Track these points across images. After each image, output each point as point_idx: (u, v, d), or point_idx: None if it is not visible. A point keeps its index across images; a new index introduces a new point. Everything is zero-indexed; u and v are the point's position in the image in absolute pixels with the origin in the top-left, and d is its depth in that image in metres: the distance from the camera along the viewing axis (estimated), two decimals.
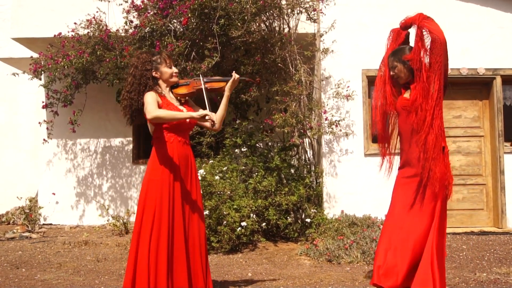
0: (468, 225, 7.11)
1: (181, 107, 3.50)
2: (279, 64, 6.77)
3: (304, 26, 6.98)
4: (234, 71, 3.66)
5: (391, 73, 3.57)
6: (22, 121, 9.74)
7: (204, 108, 3.41)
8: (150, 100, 3.30)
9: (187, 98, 3.60)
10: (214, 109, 3.54)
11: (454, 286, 4.05)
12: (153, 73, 3.45)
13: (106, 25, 7.05)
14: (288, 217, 6.28)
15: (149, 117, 3.24)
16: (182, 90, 3.54)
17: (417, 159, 3.29)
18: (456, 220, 7.10)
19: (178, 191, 3.38)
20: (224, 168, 6.34)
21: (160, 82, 3.50)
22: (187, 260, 3.35)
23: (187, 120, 3.42)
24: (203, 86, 3.51)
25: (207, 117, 3.25)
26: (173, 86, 3.55)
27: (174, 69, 3.52)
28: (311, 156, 7.07)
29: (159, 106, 3.35)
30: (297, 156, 7.08)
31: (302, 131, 6.75)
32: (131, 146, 8.38)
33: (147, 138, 8.30)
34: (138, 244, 3.27)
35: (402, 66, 3.50)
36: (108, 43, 6.88)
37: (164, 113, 3.28)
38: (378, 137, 3.68)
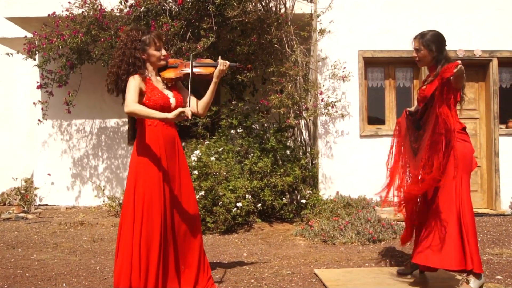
0: None
1: (166, 91, 3.35)
2: (275, 45, 6.73)
3: (301, 6, 6.91)
4: (220, 57, 3.50)
5: (414, 55, 3.58)
6: (17, 102, 9.68)
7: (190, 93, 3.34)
8: (131, 88, 3.14)
9: (173, 82, 3.46)
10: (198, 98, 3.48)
11: None
12: (141, 54, 3.29)
13: (100, 5, 6.96)
14: (283, 198, 6.31)
15: (126, 111, 3.09)
16: (169, 74, 3.39)
17: None
18: None
19: (167, 174, 3.26)
20: (220, 149, 6.35)
21: (147, 64, 3.33)
22: (174, 244, 3.26)
23: (172, 105, 3.28)
24: (190, 72, 3.37)
25: (182, 115, 3.09)
26: (161, 68, 3.40)
27: (163, 52, 3.34)
28: (307, 137, 7.06)
29: (143, 92, 3.21)
30: (292, 137, 7.07)
31: (298, 112, 6.74)
32: (126, 127, 8.35)
33: None
34: (133, 229, 3.12)
35: (427, 51, 3.51)
36: (102, 23, 6.81)
37: (140, 110, 3.10)
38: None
